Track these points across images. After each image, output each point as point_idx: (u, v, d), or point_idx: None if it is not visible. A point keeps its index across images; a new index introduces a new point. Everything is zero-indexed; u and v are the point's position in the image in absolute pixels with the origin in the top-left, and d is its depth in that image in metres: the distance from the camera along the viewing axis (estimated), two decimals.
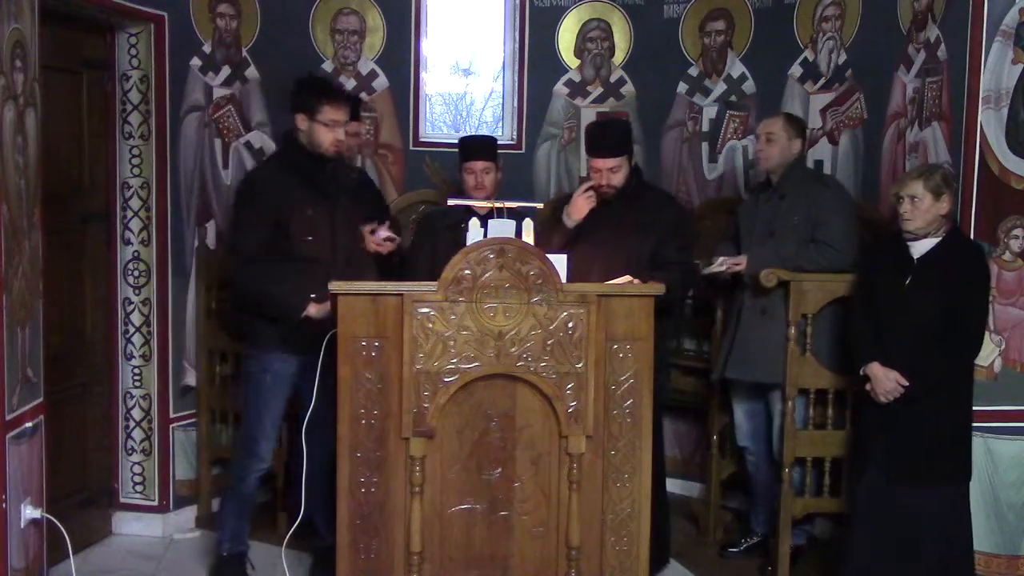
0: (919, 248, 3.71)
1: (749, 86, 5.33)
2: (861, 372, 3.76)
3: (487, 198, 4.20)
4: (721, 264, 4.24)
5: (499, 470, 3.40)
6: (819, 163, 4.94)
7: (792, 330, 4.09)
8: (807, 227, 4.18)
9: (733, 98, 5.37)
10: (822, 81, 4.98)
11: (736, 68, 5.34)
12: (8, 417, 3.34)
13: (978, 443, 3.80)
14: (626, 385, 3.38)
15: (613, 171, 4.06)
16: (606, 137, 4.10)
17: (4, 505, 3.32)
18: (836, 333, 4.12)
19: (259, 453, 4.05)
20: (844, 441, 4.13)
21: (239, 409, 4.77)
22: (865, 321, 3.81)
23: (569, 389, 3.33)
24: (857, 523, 3.81)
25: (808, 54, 5.03)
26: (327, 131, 3.92)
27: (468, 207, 4.18)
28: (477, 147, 4.39)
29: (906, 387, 3.63)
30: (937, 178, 3.66)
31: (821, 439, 4.17)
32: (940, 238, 3.69)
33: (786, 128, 4.29)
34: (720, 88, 5.40)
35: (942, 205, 3.66)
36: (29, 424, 3.50)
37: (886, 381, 3.67)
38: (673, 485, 5.18)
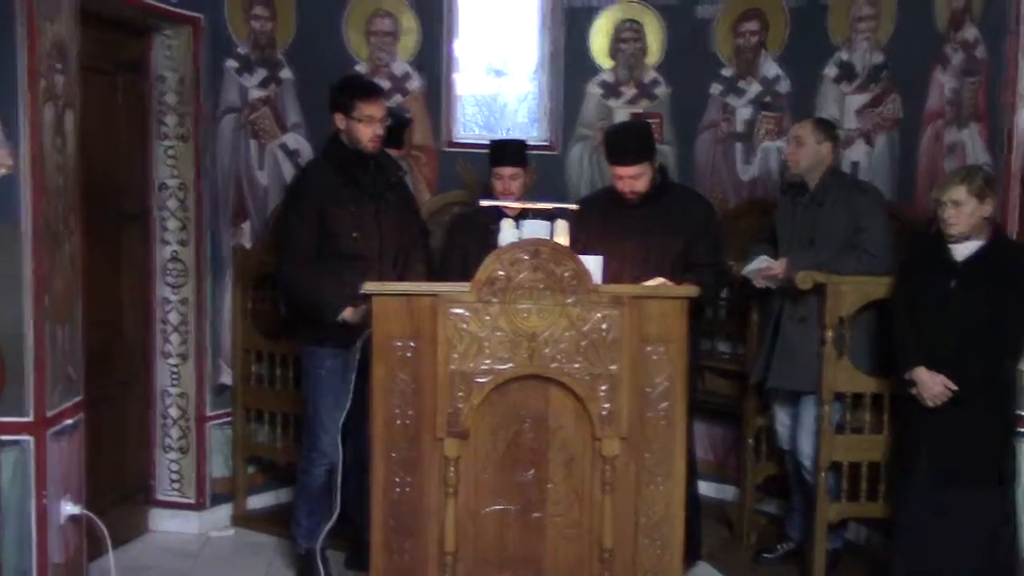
0: (962, 251, 3.68)
1: (783, 87, 5.29)
2: (906, 376, 3.72)
3: (517, 200, 4.21)
4: (762, 262, 4.20)
5: (532, 471, 3.40)
6: (855, 164, 4.89)
7: (828, 333, 4.05)
8: (846, 233, 4.14)
9: (767, 99, 5.33)
10: (857, 81, 4.93)
11: (770, 69, 5.31)
12: (49, 414, 3.38)
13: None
14: (660, 387, 3.36)
15: (635, 178, 4.04)
16: (625, 144, 4.07)
17: (44, 501, 3.37)
18: (873, 336, 4.09)
19: (321, 447, 4.09)
20: (881, 445, 4.09)
21: (274, 407, 4.83)
22: (908, 325, 3.78)
23: (603, 391, 3.32)
24: (902, 529, 3.78)
25: (843, 54, 4.99)
26: (364, 127, 3.97)
27: (500, 208, 4.19)
28: (506, 152, 4.40)
29: (953, 391, 3.60)
30: (979, 181, 3.63)
31: (857, 443, 4.14)
32: (983, 240, 3.66)
33: (815, 131, 4.25)
34: (754, 89, 5.36)
35: (985, 208, 3.63)
36: (69, 421, 3.55)
37: (933, 385, 3.64)
38: (707, 488, 5.16)
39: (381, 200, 4.06)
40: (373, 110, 3.99)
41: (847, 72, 4.97)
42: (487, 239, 3.96)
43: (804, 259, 4.13)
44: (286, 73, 5.10)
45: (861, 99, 4.91)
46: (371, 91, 4.09)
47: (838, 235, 4.16)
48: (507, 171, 4.32)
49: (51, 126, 3.39)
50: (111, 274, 4.48)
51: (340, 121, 4.02)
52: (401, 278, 4.03)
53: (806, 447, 4.24)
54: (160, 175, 4.69)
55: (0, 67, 3.19)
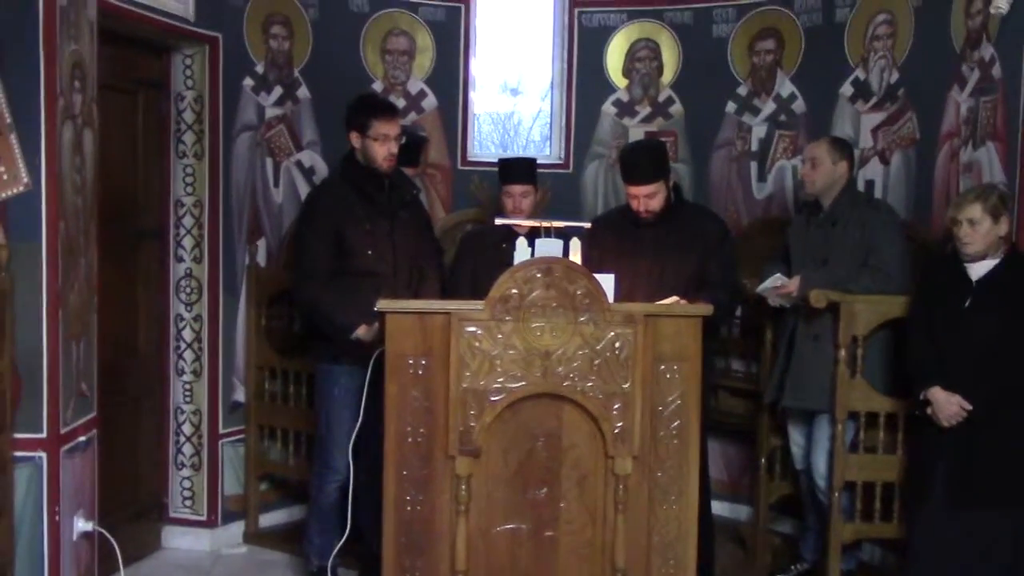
0: (978, 270, 3.66)
1: (799, 105, 5.28)
2: (922, 396, 3.70)
3: (529, 218, 4.22)
4: (776, 280, 4.19)
5: (545, 490, 3.39)
6: (870, 183, 4.88)
7: (842, 352, 4.03)
8: (860, 252, 4.13)
9: (783, 117, 5.33)
10: (873, 100, 4.92)
11: (786, 87, 5.31)
12: (62, 431, 3.40)
13: None
14: (673, 406, 3.36)
15: (650, 197, 4.04)
16: (639, 163, 4.07)
17: (57, 517, 3.38)
18: (888, 355, 4.07)
19: (333, 464, 4.09)
20: (896, 465, 4.06)
21: (287, 425, 4.84)
22: (924, 344, 3.76)
23: (616, 409, 3.31)
24: (917, 550, 3.75)
25: (859, 73, 4.98)
26: (379, 145, 4.00)
27: (512, 226, 4.20)
28: (515, 170, 4.42)
29: (969, 411, 3.58)
30: (994, 199, 3.61)
31: (872, 463, 4.11)
32: (999, 259, 3.65)
33: (830, 151, 4.25)
34: (769, 107, 5.36)
35: (1000, 227, 3.62)
36: (83, 438, 3.56)
37: (949, 405, 3.62)
38: (721, 507, 5.13)
39: (395, 218, 4.08)
40: (388, 129, 4.01)
41: (863, 91, 4.97)
42: (498, 256, 3.97)
43: (818, 278, 4.12)
44: (302, 91, 5.13)
45: (877, 118, 4.90)
46: (386, 110, 4.11)
47: (853, 254, 4.15)
48: (517, 189, 4.34)
49: (70, 145, 3.42)
50: (127, 291, 4.50)
51: (355, 139, 4.05)
52: (415, 296, 4.05)
53: (820, 466, 4.22)
54: (177, 192, 4.72)
55: (20, 87, 3.23)
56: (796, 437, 4.45)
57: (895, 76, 4.81)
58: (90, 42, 3.62)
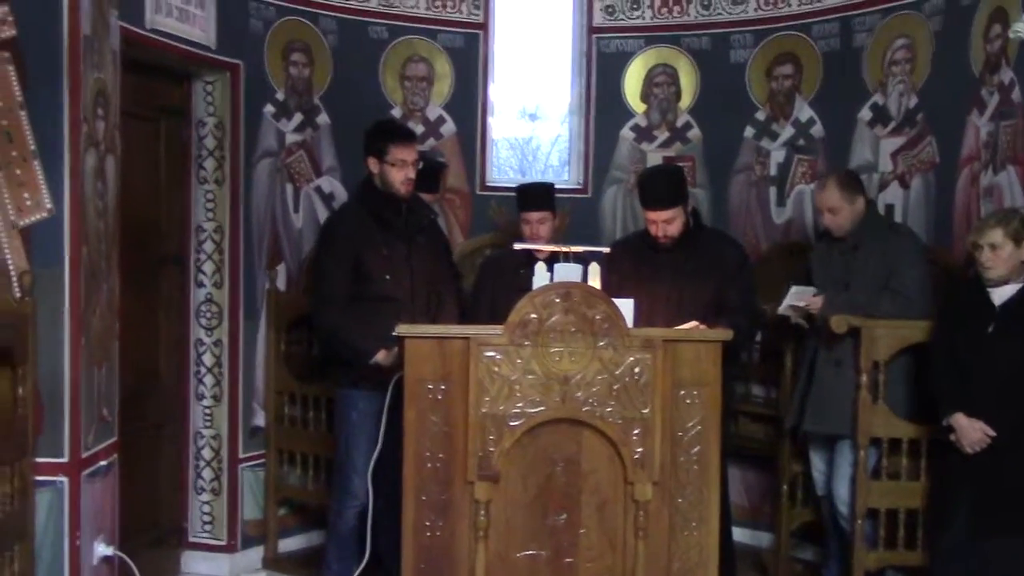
0: (1000, 294, 3.64)
1: (817, 130, 5.28)
2: (945, 422, 3.67)
3: (548, 243, 4.22)
4: (802, 296, 4.17)
5: (564, 516, 3.37)
6: (890, 207, 4.86)
7: (863, 377, 4.01)
8: (881, 276, 4.11)
9: (801, 142, 5.32)
10: (892, 125, 4.91)
11: (804, 112, 5.30)
12: (83, 455, 3.41)
13: None
14: (693, 432, 3.34)
15: (668, 222, 4.04)
16: (657, 189, 4.08)
17: (78, 542, 3.38)
18: (910, 381, 4.04)
19: (352, 490, 4.09)
20: (919, 492, 4.02)
21: (307, 450, 4.84)
22: (946, 369, 3.73)
23: (635, 435, 3.30)
24: None
25: (878, 98, 4.97)
26: (397, 171, 4.02)
27: (532, 251, 4.20)
28: (532, 197, 4.43)
29: (993, 437, 3.54)
30: (1016, 223, 3.60)
31: (895, 490, 4.07)
32: (1021, 283, 3.63)
33: (843, 195, 4.19)
34: (788, 132, 5.36)
35: (1022, 251, 3.59)
36: (103, 463, 3.57)
37: (972, 432, 3.59)
38: (742, 534, 5.08)
39: (413, 243, 4.10)
40: (405, 154, 4.03)
41: (881, 115, 4.96)
42: (517, 281, 3.97)
43: (840, 302, 4.10)
44: (322, 118, 5.17)
45: (896, 142, 4.89)
46: (403, 135, 4.14)
47: (874, 278, 4.13)
48: (534, 215, 4.35)
49: (92, 171, 3.45)
50: (148, 316, 4.53)
51: (373, 165, 4.07)
52: (434, 320, 4.05)
53: (842, 493, 4.18)
54: (198, 218, 4.75)
55: (44, 114, 3.27)
56: (817, 463, 4.41)
57: (914, 100, 4.80)
58: (113, 70, 3.67)
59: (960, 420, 3.62)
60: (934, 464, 3.96)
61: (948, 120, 4.59)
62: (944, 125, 4.63)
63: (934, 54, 4.70)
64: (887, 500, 4.07)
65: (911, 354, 4.04)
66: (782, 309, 4.25)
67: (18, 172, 3.26)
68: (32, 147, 3.25)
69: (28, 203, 3.26)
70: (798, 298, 4.19)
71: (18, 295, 3.23)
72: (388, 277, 4.00)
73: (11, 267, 3.25)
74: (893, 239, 4.19)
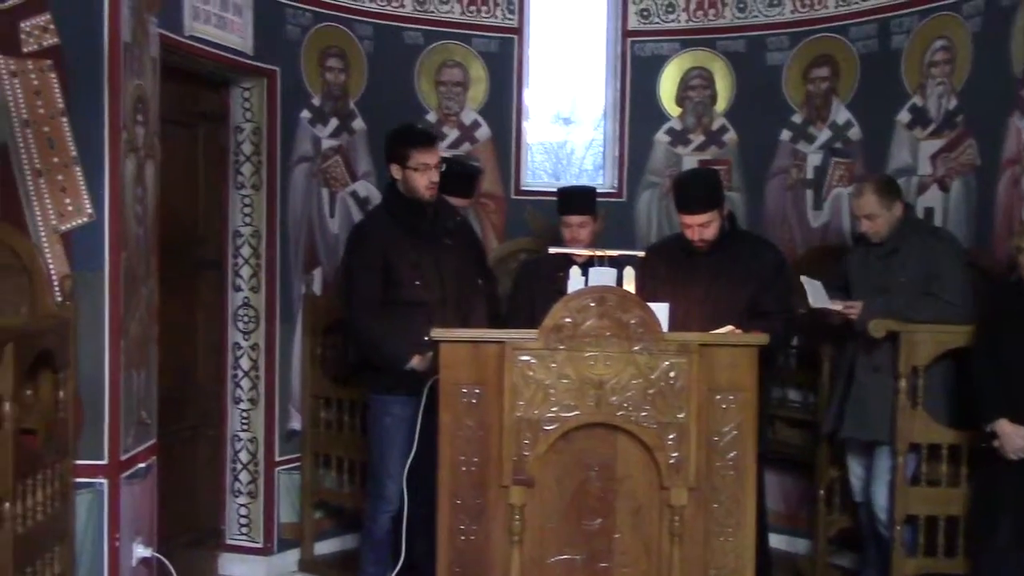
0: None
1: (855, 132, 5.23)
2: (988, 429, 3.62)
3: (587, 247, 4.21)
4: (816, 297, 4.13)
5: (599, 521, 3.36)
6: (929, 210, 4.80)
7: (903, 382, 3.96)
8: (921, 281, 4.06)
9: (838, 145, 5.28)
10: (932, 127, 4.86)
11: (841, 115, 5.25)
12: (123, 458, 3.45)
13: None
14: (729, 436, 3.31)
15: (704, 226, 4.01)
16: (693, 192, 4.05)
17: (117, 543, 3.42)
18: (950, 386, 3.98)
19: (385, 495, 4.09)
20: (959, 499, 3.97)
21: (342, 453, 4.86)
22: (989, 374, 3.68)
23: (671, 440, 3.28)
24: None
25: (917, 100, 4.92)
26: (420, 175, 4.01)
27: (568, 255, 4.20)
28: (574, 201, 4.43)
29: None
30: None
31: (934, 496, 4.02)
32: None
33: (880, 201, 4.15)
34: (825, 135, 5.31)
35: None
36: (142, 465, 3.61)
37: (1016, 438, 3.55)
38: (778, 541, 5.04)
39: (440, 246, 4.09)
40: (427, 158, 4.02)
41: (920, 118, 4.90)
42: (553, 286, 3.97)
43: (878, 307, 4.06)
44: (358, 123, 5.20)
45: (935, 144, 4.83)
46: (423, 139, 4.12)
47: (913, 283, 4.08)
48: (575, 219, 4.34)
49: (132, 177, 3.50)
50: (186, 320, 4.57)
51: (396, 171, 4.06)
52: (465, 323, 4.05)
53: (881, 499, 4.13)
54: (235, 223, 4.79)
55: (85, 120, 3.32)
56: (856, 469, 4.37)
57: (953, 102, 4.75)
58: (153, 77, 3.71)
59: (1004, 426, 3.57)
60: (975, 471, 3.90)
61: (989, 122, 4.53)
62: (984, 127, 4.57)
63: (974, 55, 4.64)
64: (926, 507, 4.02)
65: (951, 359, 3.99)
66: (819, 307, 4.19)
67: (59, 178, 3.32)
68: (73, 153, 3.31)
69: (69, 208, 3.32)
70: (816, 296, 4.12)
71: (59, 299, 3.29)
72: (418, 283, 3.99)
73: (52, 272, 3.30)
74: (933, 243, 4.14)
